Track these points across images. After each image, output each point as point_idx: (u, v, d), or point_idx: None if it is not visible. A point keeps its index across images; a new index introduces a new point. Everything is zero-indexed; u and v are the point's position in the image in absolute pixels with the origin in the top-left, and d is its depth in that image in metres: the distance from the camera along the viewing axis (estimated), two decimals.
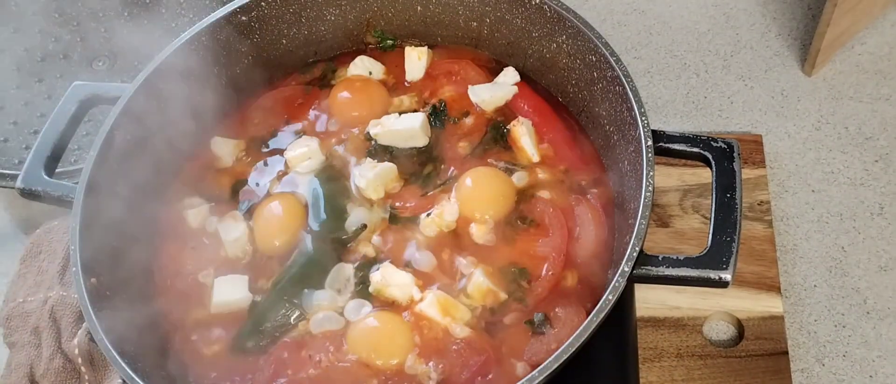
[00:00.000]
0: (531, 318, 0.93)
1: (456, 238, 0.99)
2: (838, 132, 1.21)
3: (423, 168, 1.05)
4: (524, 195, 1.02)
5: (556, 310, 0.93)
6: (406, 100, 1.11)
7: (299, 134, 1.10)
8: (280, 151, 1.08)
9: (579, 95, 1.06)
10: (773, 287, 1.04)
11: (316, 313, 0.95)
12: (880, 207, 1.14)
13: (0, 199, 1.28)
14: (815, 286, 1.09)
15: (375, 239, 1.00)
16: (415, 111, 1.09)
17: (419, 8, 1.14)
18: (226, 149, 1.09)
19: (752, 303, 1.03)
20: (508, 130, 1.06)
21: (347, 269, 0.98)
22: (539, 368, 0.80)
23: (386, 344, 0.92)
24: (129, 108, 1.01)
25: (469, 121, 1.08)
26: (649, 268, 0.85)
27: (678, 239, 1.09)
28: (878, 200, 1.15)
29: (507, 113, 1.09)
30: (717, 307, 1.03)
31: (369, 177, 1.02)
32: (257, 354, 0.94)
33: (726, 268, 0.84)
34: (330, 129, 1.10)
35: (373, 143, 1.07)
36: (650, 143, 0.90)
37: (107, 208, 0.97)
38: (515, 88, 1.09)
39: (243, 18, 1.09)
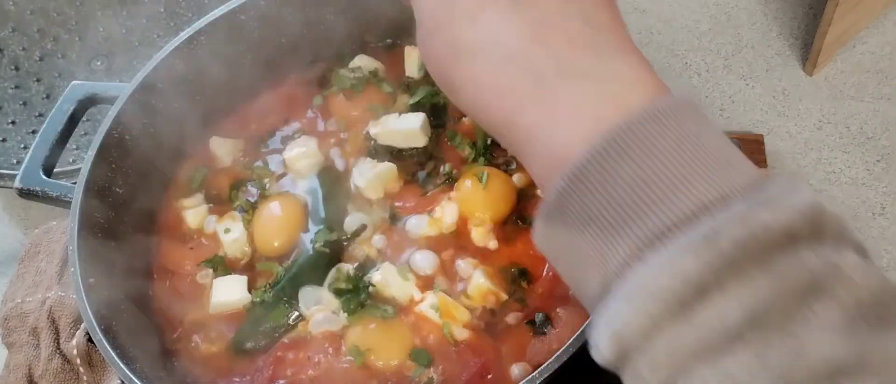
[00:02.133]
0: (532, 319, 0.92)
1: (456, 238, 0.99)
2: (840, 132, 1.21)
3: (423, 168, 1.05)
4: (524, 195, 1.01)
5: (558, 309, 0.93)
6: (406, 99, 1.11)
7: (298, 134, 1.09)
8: (279, 151, 1.08)
9: None
10: None
11: (315, 314, 0.94)
12: (882, 207, 1.14)
13: None
14: None
15: (375, 239, 0.99)
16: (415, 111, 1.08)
17: None
18: (225, 149, 1.09)
19: None
20: None
21: (347, 270, 0.97)
22: (540, 369, 0.80)
23: (385, 345, 0.91)
24: (127, 107, 1.01)
25: (469, 120, 1.08)
26: None
27: None
28: (880, 200, 1.14)
29: None
30: None
31: (369, 177, 1.02)
32: (256, 355, 0.93)
33: None
34: (329, 129, 1.10)
35: (373, 143, 1.06)
36: None
37: (105, 208, 0.97)
38: None
39: (243, 18, 1.08)
